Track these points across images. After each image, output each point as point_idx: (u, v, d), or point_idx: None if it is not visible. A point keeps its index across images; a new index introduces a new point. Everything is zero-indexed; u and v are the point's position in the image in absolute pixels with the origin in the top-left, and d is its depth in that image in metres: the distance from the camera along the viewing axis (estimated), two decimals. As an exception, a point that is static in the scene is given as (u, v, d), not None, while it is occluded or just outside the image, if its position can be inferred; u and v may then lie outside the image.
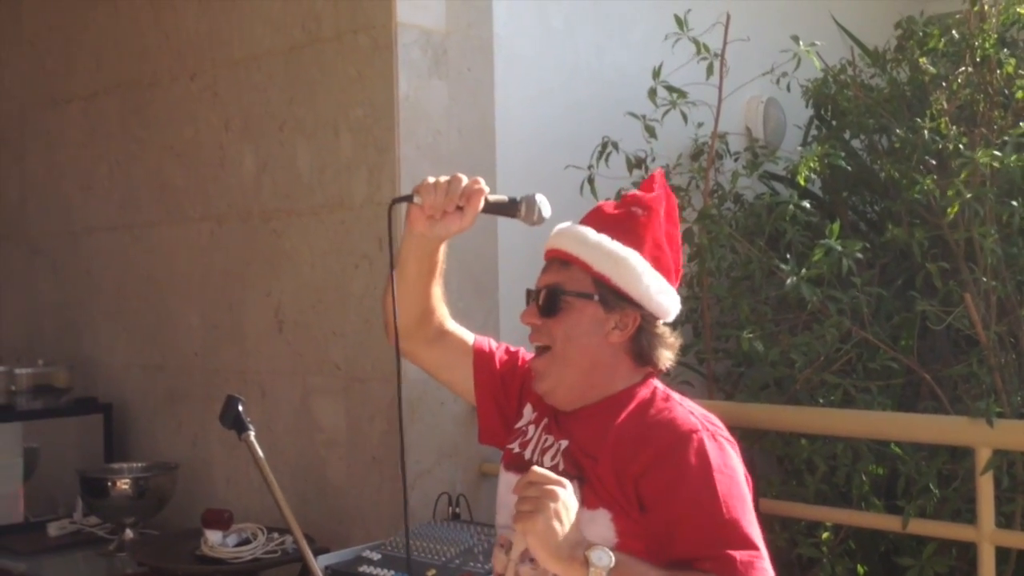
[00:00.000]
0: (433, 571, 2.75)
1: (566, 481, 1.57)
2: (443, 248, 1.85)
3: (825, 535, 3.17)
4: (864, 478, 3.06)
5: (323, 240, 3.61)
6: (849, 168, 3.63)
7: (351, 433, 3.52)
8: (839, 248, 3.09)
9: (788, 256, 3.25)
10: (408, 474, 3.37)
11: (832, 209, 3.89)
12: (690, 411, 1.71)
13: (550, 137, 3.80)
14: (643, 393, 1.75)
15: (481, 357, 1.97)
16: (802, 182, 3.51)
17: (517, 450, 1.84)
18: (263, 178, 3.82)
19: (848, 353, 3.14)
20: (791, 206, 3.27)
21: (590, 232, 1.77)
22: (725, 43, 3.44)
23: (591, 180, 3.44)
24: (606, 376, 1.76)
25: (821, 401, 3.16)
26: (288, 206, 3.73)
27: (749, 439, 3.24)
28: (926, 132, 3.36)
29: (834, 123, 4.03)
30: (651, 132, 3.46)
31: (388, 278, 1.84)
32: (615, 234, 1.76)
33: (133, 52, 4.33)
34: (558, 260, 1.78)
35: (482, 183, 1.73)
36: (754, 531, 1.60)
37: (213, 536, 3.21)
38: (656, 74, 3.44)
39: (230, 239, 3.94)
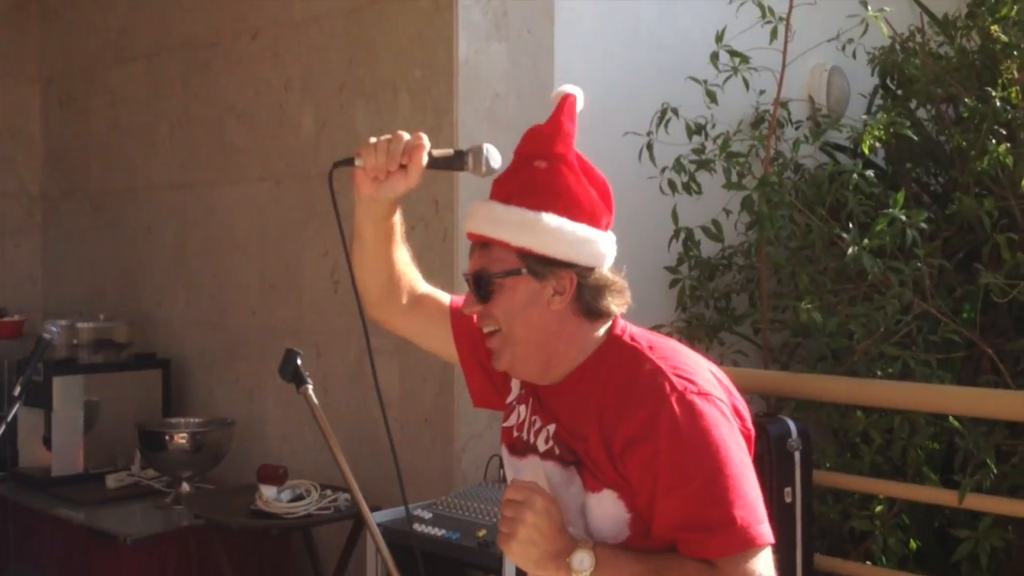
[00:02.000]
0: (484, 531, 2.77)
1: (542, 494, 1.53)
2: (398, 211, 1.79)
3: (879, 508, 3.13)
4: (920, 452, 3.01)
5: (380, 201, 3.61)
6: (915, 138, 3.55)
7: (404, 394, 3.54)
8: (903, 218, 3.03)
9: (849, 226, 3.20)
10: (460, 437, 3.39)
11: (895, 180, 3.82)
12: (658, 368, 1.58)
13: (609, 102, 3.76)
14: (611, 353, 1.65)
15: (459, 318, 1.88)
16: (866, 151, 3.44)
17: (515, 432, 1.78)
18: (322, 139, 3.83)
19: (909, 325, 3.09)
20: (854, 175, 3.21)
21: (498, 207, 1.66)
22: (791, 7, 3.37)
23: (650, 147, 3.41)
24: (564, 345, 1.66)
25: (879, 373, 3.12)
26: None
27: (804, 410, 3.21)
28: (996, 101, 3.28)
29: (900, 92, 3.95)
30: (712, 97, 3.42)
31: (345, 250, 1.80)
32: (523, 199, 1.64)
33: (195, 11, 4.36)
34: (478, 244, 1.69)
35: (424, 139, 1.67)
36: (735, 496, 1.49)
37: (268, 491, 3.26)
38: (719, 38, 3.38)
39: (288, 199, 3.97)
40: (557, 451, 1.67)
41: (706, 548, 1.49)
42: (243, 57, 4.14)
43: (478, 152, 1.67)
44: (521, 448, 1.74)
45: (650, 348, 1.63)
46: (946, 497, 2.83)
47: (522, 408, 1.78)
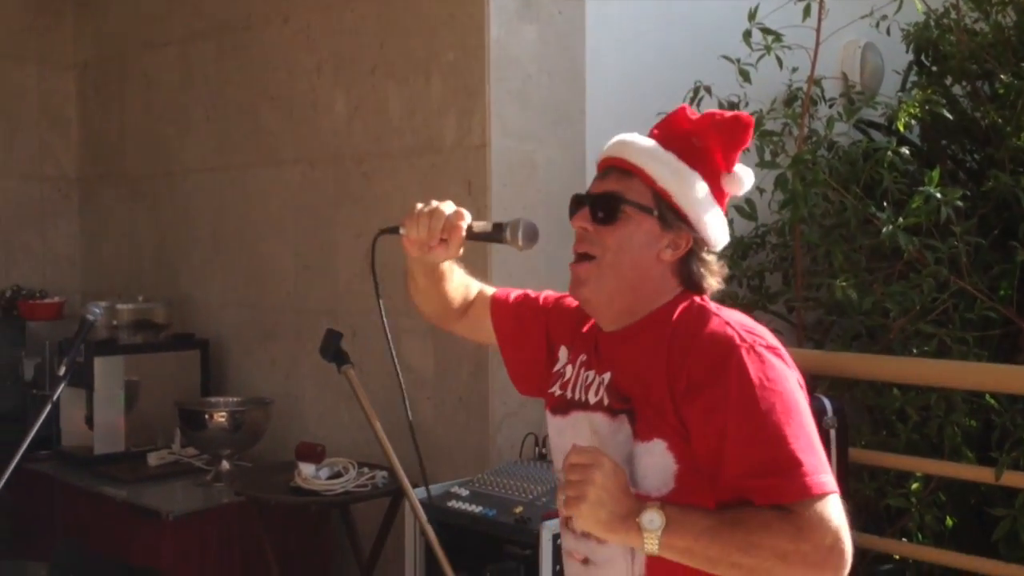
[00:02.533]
0: (520, 508, 2.80)
1: (607, 456, 1.52)
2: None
3: (915, 486, 3.14)
4: (957, 429, 3.01)
5: (413, 183, 3.65)
6: (950, 116, 3.52)
7: (439, 374, 3.58)
8: (938, 196, 3.01)
9: (884, 204, 3.19)
10: (495, 415, 3.42)
11: (930, 157, 3.80)
12: (727, 322, 1.60)
13: (641, 82, 3.77)
14: (682, 306, 1.67)
15: (498, 307, 1.97)
16: (901, 128, 3.42)
17: (558, 392, 1.80)
18: (354, 121, 3.86)
19: (945, 303, 3.09)
20: (889, 153, 3.19)
21: (656, 146, 1.69)
22: (825, -16, 3.36)
23: (683, 125, 3.40)
24: (651, 293, 1.69)
25: (915, 351, 3.11)
26: (379, 149, 3.77)
27: (839, 388, 3.21)
28: (1033, 77, 3.25)
29: (935, 69, 3.92)
30: (745, 76, 3.41)
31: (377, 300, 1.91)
32: (681, 151, 1.68)
33: (228, -4, 4.39)
34: (618, 169, 1.69)
35: (464, 216, 1.75)
36: (804, 444, 1.49)
37: (306, 469, 3.31)
38: (752, 16, 3.37)
39: (322, 181, 4.00)
40: (607, 401, 1.67)
41: (780, 493, 1.46)
42: (276, 41, 4.17)
43: (515, 226, 1.73)
44: (564, 406, 1.76)
45: (719, 310, 1.66)
46: (983, 474, 2.84)
47: (569, 368, 1.80)
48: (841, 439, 2.84)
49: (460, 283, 1.98)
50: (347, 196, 3.90)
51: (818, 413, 2.80)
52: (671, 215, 1.66)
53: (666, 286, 1.69)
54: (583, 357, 1.78)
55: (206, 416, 3.76)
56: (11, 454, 2.34)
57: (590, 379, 1.73)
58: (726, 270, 1.74)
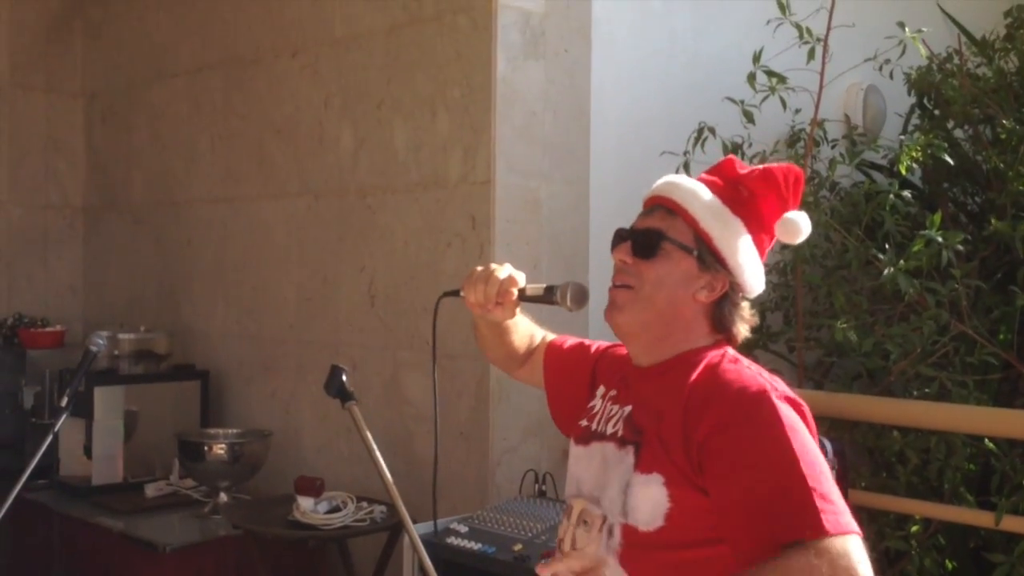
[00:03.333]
0: (520, 546, 2.79)
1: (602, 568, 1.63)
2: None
3: (914, 528, 3.13)
4: (957, 473, 3.01)
5: (417, 218, 3.67)
6: (951, 160, 3.55)
7: (440, 408, 3.57)
8: (939, 239, 3.03)
9: (886, 246, 3.21)
10: (495, 451, 3.42)
11: (932, 200, 3.82)
12: (759, 373, 1.68)
13: (645, 121, 3.80)
14: (714, 355, 1.72)
15: (551, 351, 2.08)
16: (903, 171, 3.44)
17: (584, 423, 1.85)
18: (360, 155, 3.89)
19: (945, 346, 3.09)
20: (891, 195, 3.21)
21: (703, 188, 1.77)
22: (829, 28, 3.39)
23: (687, 166, 3.43)
24: (683, 331, 1.74)
25: (915, 394, 3.12)
26: (384, 183, 3.79)
27: (840, 429, 3.21)
28: (1034, 123, 3.28)
29: (936, 112, 3.95)
30: (749, 118, 3.43)
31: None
32: (727, 198, 1.76)
33: (237, 29, 4.44)
34: (663, 208, 1.76)
35: (517, 281, 1.85)
36: (827, 489, 1.52)
37: (305, 502, 3.30)
38: (756, 59, 3.40)
39: (326, 214, 4.02)
40: (621, 432, 1.73)
41: (806, 527, 1.48)
42: (283, 74, 4.20)
43: (565, 289, 1.84)
44: (587, 437, 1.81)
45: (749, 363, 1.72)
46: (982, 519, 2.83)
47: (599, 403, 1.86)
48: (841, 481, 2.84)
49: (525, 333, 2.08)
50: (351, 229, 3.91)
51: (818, 455, 2.82)
52: (710, 257, 1.73)
53: (699, 326, 1.75)
54: (613, 392, 1.85)
55: (205, 448, 3.76)
56: (10, 483, 2.34)
57: (613, 412, 1.79)
58: (756, 320, 1.81)
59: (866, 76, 4.09)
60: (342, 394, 1.97)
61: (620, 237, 1.78)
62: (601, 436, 1.76)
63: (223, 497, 3.75)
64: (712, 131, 3.47)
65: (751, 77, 3.40)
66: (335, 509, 3.32)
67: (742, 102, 3.45)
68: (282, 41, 4.21)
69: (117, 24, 5.13)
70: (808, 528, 1.48)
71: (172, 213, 4.77)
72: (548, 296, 1.86)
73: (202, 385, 4.29)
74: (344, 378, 1.99)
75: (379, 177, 3.81)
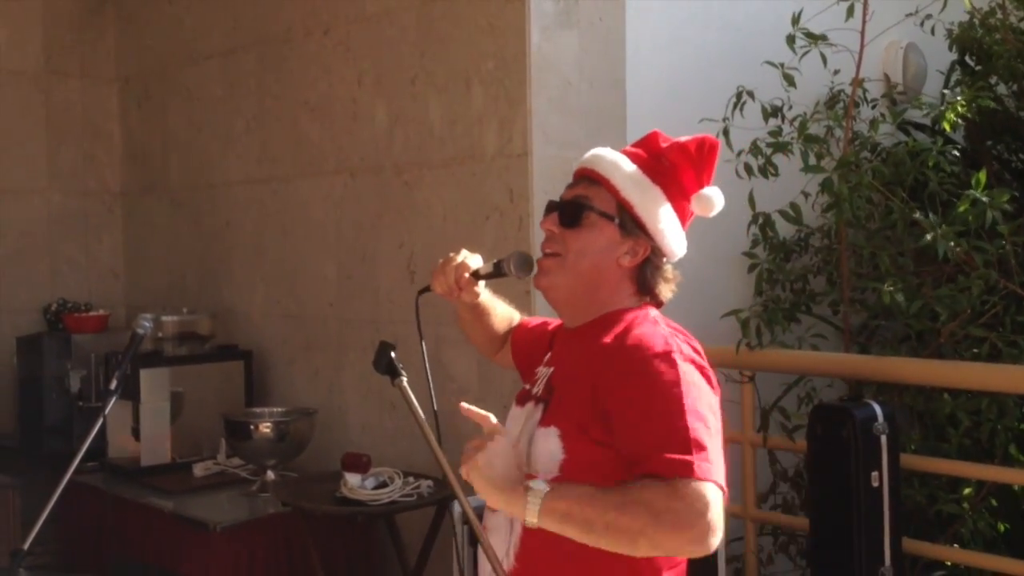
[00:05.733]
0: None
1: (500, 437, 1.71)
2: (481, 297, 2.10)
3: (967, 491, 3.10)
4: (1009, 434, 2.97)
5: (454, 192, 3.66)
6: (996, 112, 3.48)
7: (482, 383, 3.57)
8: (985, 200, 2.97)
9: (930, 207, 3.15)
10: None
11: (975, 158, 3.75)
12: (671, 335, 1.77)
13: (682, 87, 3.76)
14: (634, 315, 1.83)
15: (518, 331, 2.20)
16: (948, 128, 3.38)
17: (527, 387, 1.97)
18: (395, 131, 3.88)
19: (995, 306, 3.04)
20: (934, 153, 3.16)
21: (625, 160, 1.87)
22: (868, -15, 3.33)
23: (726, 132, 3.38)
24: (607, 294, 1.85)
25: (966, 355, 3.07)
26: (420, 159, 3.78)
27: (889, 393, 3.18)
28: (1081, 76, 3.20)
29: (979, 68, 3.87)
30: (790, 81, 3.37)
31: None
32: (647, 167, 1.86)
33: (268, 9, 4.43)
34: (587, 178, 1.87)
35: (469, 264, 1.99)
36: (700, 440, 1.60)
37: (352, 479, 3.32)
38: (795, 20, 3.35)
39: (363, 192, 4.02)
40: (539, 392, 1.87)
41: (668, 467, 1.57)
42: (316, 52, 4.20)
43: (508, 261, 1.94)
44: (523, 398, 1.94)
45: (659, 321, 1.82)
46: (1036, 479, 2.80)
47: (541, 369, 1.96)
48: (892, 445, 2.82)
49: (503, 317, 2.21)
50: (388, 206, 3.91)
51: (868, 419, 2.79)
52: (631, 224, 1.84)
53: (623, 289, 1.86)
54: (548, 356, 1.98)
55: (251, 427, 3.78)
56: (60, 466, 2.37)
57: (543, 374, 1.92)
58: (680, 278, 1.91)
59: (905, 34, 4.02)
60: (391, 371, 1.96)
61: (549, 208, 1.89)
62: (532, 397, 1.89)
63: (270, 475, 3.78)
64: (751, 95, 3.42)
65: (790, 39, 3.35)
66: (382, 485, 3.34)
67: (782, 65, 3.39)
68: (313, 19, 4.20)
69: (149, 8, 5.14)
70: (679, 468, 1.57)
71: (210, 195, 4.79)
72: (498, 271, 1.97)
73: (246, 365, 4.31)
74: (393, 355, 1.98)
75: (415, 153, 3.80)
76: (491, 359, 2.32)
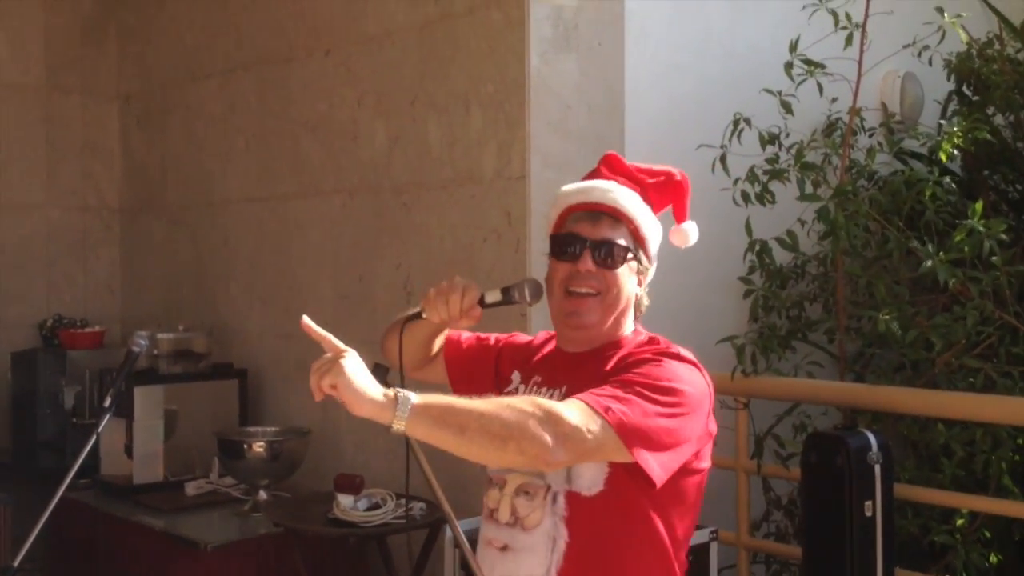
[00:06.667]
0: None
1: (346, 353, 1.75)
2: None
3: (960, 522, 3.09)
4: (1003, 465, 2.97)
5: (452, 214, 3.66)
6: (994, 142, 3.49)
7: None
8: (981, 229, 2.98)
9: (926, 236, 3.16)
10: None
11: (972, 188, 3.76)
12: (659, 342, 1.92)
13: (680, 113, 3.77)
14: (638, 339, 1.96)
15: (451, 348, 2.18)
16: (944, 158, 3.39)
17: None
18: (395, 152, 3.89)
19: (990, 336, 3.04)
20: (931, 183, 3.17)
21: (636, 198, 1.95)
22: (867, 14, 3.35)
23: (723, 159, 3.40)
24: (622, 322, 1.96)
25: (960, 385, 3.07)
26: (419, 180, 3.79)
27: (883, 422, 3.17)
28: (1078, 108, 3.21)
29: (976, 99, 3.89)
30: (787, 108, 3.39)
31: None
32: (647, 202, 1.97)
33: (270, 29, 4.45)
34: (610, 216, 1.93)
35: (475, 295, 1.92)
36: (658, 419, 1.72)
37: (345, 500, 3.31)
38: (793, 47, 3.37)
39: (361, 212, 4.03)
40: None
41: (588, 396, 1.72)
42: (317, 73, 4.21)
43: (521, 287, 1.94)
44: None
45: (662, 340, 1.94)
46: (1030, 511, 2.80)
47: (520, 388, 2.02)
48: (886, 474, 2.82)
49: (436, 334, 2.18)
50: (386, 227, 3.92)
51: (863, 448, 2.79)
52: (642, 255, 1.97)
53: (630, 315, 1.98)
54: (537, 378, 2.00)
55: (244, 446, 3.77)
56: (53, 482, 2.36)
57: (546, 394, 1.93)
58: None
59: (903, 64, 4.03)
60: (384, 392, 1.96)
61: (576, 245, 1.91)
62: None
63: (263, 495, 3.77)
64: (748, 122, 3.43)
65: (788, 66, 3.37)
66: (375, 506, 3.33)
67: (779, 93, 3.41)
68: (315, 40, 4.22)
69: (150, 26, 5.16)
70: (592, 401, 1.70)
71: (208, 213, 4.80)
72: (508, 298, 1.95)
73: (240, 384, 4.31)
74: (386, 377, 1.97)
75: (414, 174, 3.81)
76: (410, 374, 2.20)
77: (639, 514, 1.81)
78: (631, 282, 1.94)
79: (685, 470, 1.84)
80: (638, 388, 1.76)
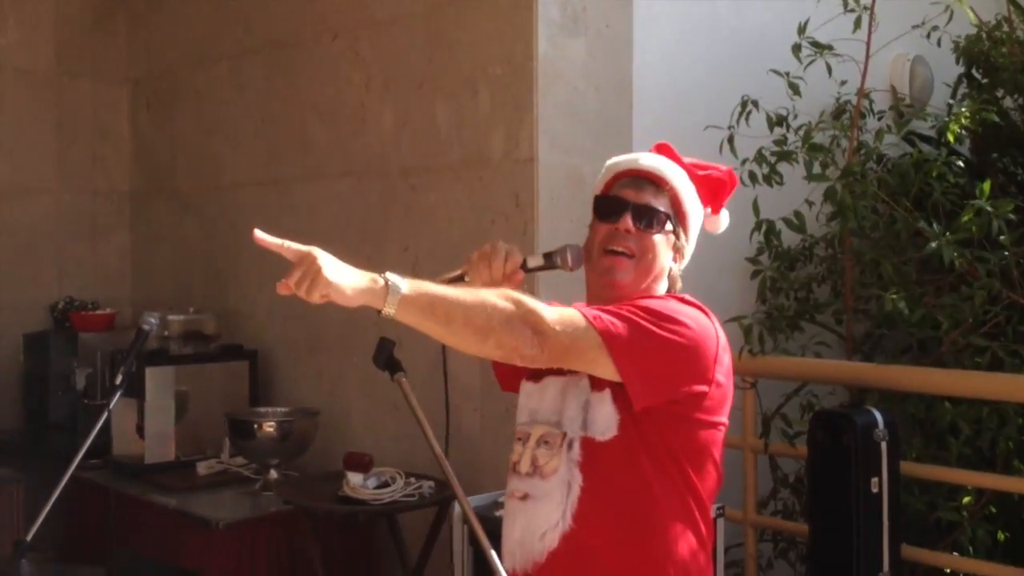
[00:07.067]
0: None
1: (312, 252, 1.79)
2: None
3: (966, 499, 3.11)
4: (1010, 443, 2.98)
5: (460, 196, 3.68)
6: (1002, 124, 3.49)
7: (485, 385, 3.59)
8: (989, 209, 2.99)
9: (933, 217, 3.17)
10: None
11: (981, 170, 3.77)
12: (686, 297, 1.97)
13: (688, 95, 3.78)
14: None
15: None
16: (952, 139, 3.40)
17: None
18: (402, 135, 3.90)
19: (997, 316, 3.05)
20: (939, 164, 3.17)
21: (683, 173, 2.03)
22: (874, -4, 3.35)
23: (731, 140, 3.40)
24: (654, 288, 2.00)
25: (967, 364, 3.09)
26: (427, 163, 3.81)
27: (890, 401, 3.19)
28: (1086, 89, 3.22)
29: (985, 81, 3.89)
30: (795, 90, 3.40)
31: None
32: (699, 189, 2.05)
33: (278, 13, 4.46)
34: (654, 185, 1.99)
35: (517, 258, 1.97)
36: (645, 336, 1.79)
37: (354, 478, 3.34)
38: (801, 29, 3.37)
39: (369, 195, 4.05)
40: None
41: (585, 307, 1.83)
42: (324, 57, 4.23)
43: (564, 253, 1.98)
44: (538, 375, 2.00)
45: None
46: (1036, 488, 2.81)
47: None
48: (892, 452, 2.83)
49: None
50: (395, 209, 3.93)
51: (869, 426, 2.81)
52: (681, 231, 2.01)
53: (662, 288, 2.02)
54: None
55: (255, 426, 3.80)
56: (65, 462, 2.38)
57: None
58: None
59: (912, 46, 4.03)
60: (391, 366, 1.98)
61: (619, 207, 1.97)
62: (553, 371, 1.94)
63: (273, 474, 3.80)
64: (756, 104, 3.44)
65: (796, 48, 3.37)
66: (384, 484, 3.36)
67: (787, 74, 3.41)
68: (323, 24, 4.23)
69: (159, 11, 5.17)
70: (602, 319, 1.78)
71: (217, 197, 4.82)
72: (550, 263, 1.99)
73: (250, 365, 4.33)
74: (393, 350, 1.99)
75: (422, 157, 3.82)
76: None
77: (654, 462, 1.84)
78: (667, 252, 1.98)
79: (694, 421, 1.87)
80: (634, 310, 1.82)
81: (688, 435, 1.87)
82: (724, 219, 2.13)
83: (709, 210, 2.10)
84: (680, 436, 1.86)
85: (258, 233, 1.79)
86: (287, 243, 1.79)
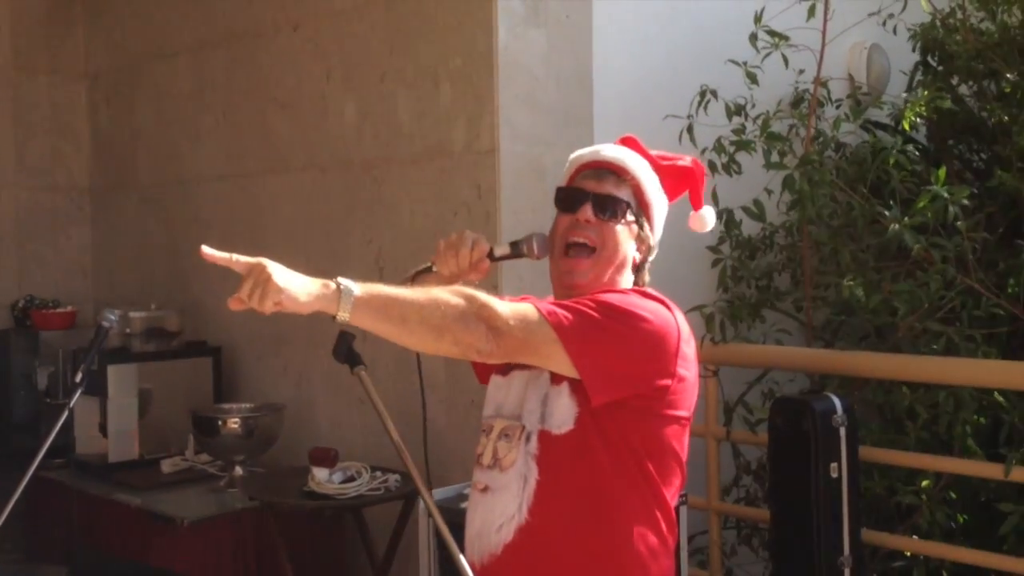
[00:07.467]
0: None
1: (261, 262, 1.76)
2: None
3: (925, 483, 3.15)
4: (966, 427, 3.02)
5: (423, 188, 3.67)
6: (956, 110, 3.54)
7: (449, 378, 3.59)
8: (945, 195, 3.03)
9: (891, 204, 3.21)
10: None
11: (937, 157, 3.81)
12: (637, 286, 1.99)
13: (648, 85, 3.79)
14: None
15: None
16: (907, 127, 3.44)
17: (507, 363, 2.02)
18: (364, 128, 3.89)
19: (952, 301, 3.10)
20: (895, 151, 3.21)
21: (646, 164, 2.03)
22: (830, -15, 3.38)
23: (690, 129, 3.42)
24: (617, 279, 1.99)
25: (923, 349, 3.13)
26: (388, 155, 3.80)
27: (849, 387, 3.22)
28: (1038, 76, 3.26)
29: (941, 68, 3.93)
30: (752, 79, 3.42)
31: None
32: (664, 179, 2.05)
33: (238, 4, 4.43)
34: (615, 175, 1.99)
35: (483, 246, 1.99)
36: (593, 321, 1.79)
37: (320, 473, 3.33)
38: (757, 19, 3.39)
39: (332, 188, 4.03)
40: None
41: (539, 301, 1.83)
42: (285, 48, 4.20)
43: (530, 241, 2.00)
44: (506, 368, 2.01)
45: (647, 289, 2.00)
46: (992, 471, 2.86)
47: None
48: (851, 437, 2.87)
49: None
50: (358, 202, 3.92)
51: (827, 411, 2.84)
52: (645, 223, 2.02)
53: (626, 281, 2.01)
54: None
55: (219, 423, 3.79)
56: (27, 462, 2.36)
57: None
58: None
59: (869, 34, 4.07)
60: (351, 359, 1.97)
61: (579, 197, 1.98)
62: (519, 365, 1.94)
63: (238, 471, 3.79)
64: (714, 93, 3.46)
65: (752, 37, 3.39)
66: (350, 479, 3.36)
67: (745, 63, 3.44)
68: (283, 15, 4.21)
69: (118, 4, 5.12)
70: (556, 313, 1.78)
71: (179, 191, 4.79)
72: (517, 252, 2.01)
73: (214, 361, 4.31)
74: (352, 343, 1.99)
75: (384, 149, 3.82)
76: None
77: (611, 456, 1.84)
78: (629, 242, 1.98)
79: (657, 415, 1.86)
80: (591, 305, 1.82)
81: (650, 431, 1.87)
82: (710, 217, 2.14)
83: (691, 212, 2.12)
84: (641, 432, 1.85)
85: (205, 249, 1.77)
86: (235, 256, 1.76)
